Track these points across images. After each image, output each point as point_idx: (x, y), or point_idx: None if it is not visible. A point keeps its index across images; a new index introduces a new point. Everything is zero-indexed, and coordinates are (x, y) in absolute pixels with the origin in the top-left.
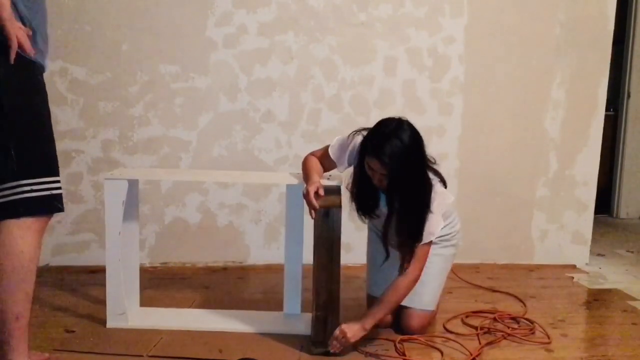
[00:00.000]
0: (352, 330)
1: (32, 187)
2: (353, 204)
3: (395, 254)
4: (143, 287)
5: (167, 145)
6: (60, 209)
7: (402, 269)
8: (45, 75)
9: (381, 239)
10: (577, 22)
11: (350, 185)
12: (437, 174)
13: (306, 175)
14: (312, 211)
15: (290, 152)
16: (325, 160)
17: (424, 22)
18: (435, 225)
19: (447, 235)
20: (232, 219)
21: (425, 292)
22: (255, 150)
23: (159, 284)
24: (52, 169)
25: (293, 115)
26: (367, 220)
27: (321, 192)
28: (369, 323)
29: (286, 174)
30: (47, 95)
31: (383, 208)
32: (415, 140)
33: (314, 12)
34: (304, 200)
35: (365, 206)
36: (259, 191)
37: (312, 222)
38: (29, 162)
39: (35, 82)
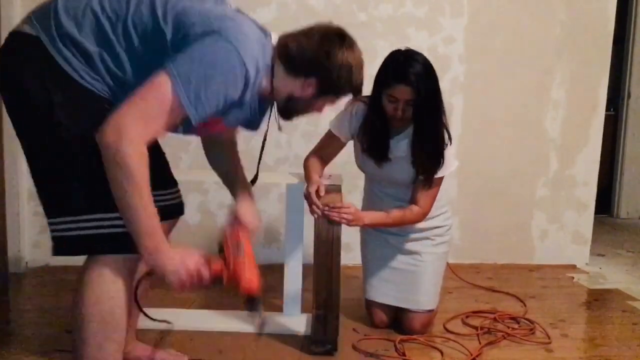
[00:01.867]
0: (357, 215)
1: (112, 222)
2: (364, 153)
3: (393, 203)
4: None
5: (167, 145)
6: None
7: (413, 201)
8: None
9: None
10: (577, 22)
11: (359, 135)
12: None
13: (306, 176)
14: (315, 210)
15: (290, 152)
16: (328, 147)
17: (424, 22)
18: (451, 161)
19: (442, 227)
20: None
21: (423, 293)
22: (255, 150)
23: (159, 284)
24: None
25: None
26: (374, 167)
27: (322, 192)
28: (369, 219)
29: (286, 174)
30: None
31: (394, 150)
32: (428, 60)
33: (314, 12)
34: (305, 201)
35: (379, 149)
36: (259, 191)
37: (312, 222)
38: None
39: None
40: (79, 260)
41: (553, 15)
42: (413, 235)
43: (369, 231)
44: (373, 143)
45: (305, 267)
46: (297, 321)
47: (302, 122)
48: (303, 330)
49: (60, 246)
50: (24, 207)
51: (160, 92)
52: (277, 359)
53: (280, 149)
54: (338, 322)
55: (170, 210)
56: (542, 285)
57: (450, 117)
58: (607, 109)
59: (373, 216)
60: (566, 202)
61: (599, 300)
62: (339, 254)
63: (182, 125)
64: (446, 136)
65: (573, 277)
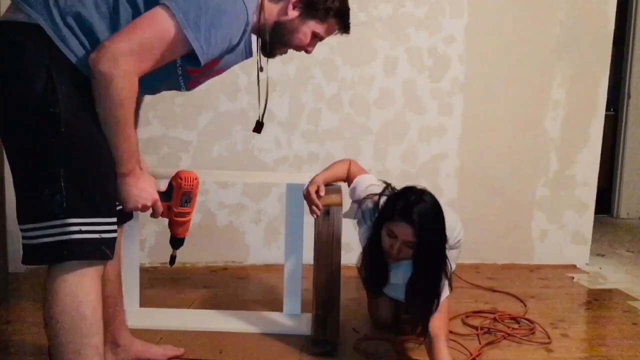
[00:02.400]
0: None
1: (80, 228)
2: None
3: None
4: (143, 287)
5: (167, 145)
6: (109, 256)
7: (422, 332)
8: None
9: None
10: (577, 22)
11: (359, 264)
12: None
13: (320, 173)
14: (315, 210)
15: (290, 152)
16: (351, 174)
17: (424, 22)
18: (446, 290)
19: (459, 241)
20: (232, 219)
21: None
22: (255, 150)
23: (159, 284)
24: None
25: (293, 115)
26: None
27: (322, 192)
28: None
29: (286, 174)
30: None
31: (392, 280)
32: (439, 205)
33: None
34: (305, 201)
35: (376, 281)
36: (259, 191)
37: (312, 222)
38: (78, 200)
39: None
40: None
41: (553, 15)
42: None
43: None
44: (370, 277)
45: (305, 267)
46: (297, 321)
47: (302, 122)
48: (303, 330)
49: (30, 255)
50: None
51: (161, 27)
52: (277, 359)
53: (280, 148)
54: (338, 322)
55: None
56: (542, 285)
57: (450, 117)
58: (607, 109)
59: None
60: (566, 202)
61: (599, 300)
62: (339, 253)
63: (181, 73)
64: (446, 284)
65: (573, 277)
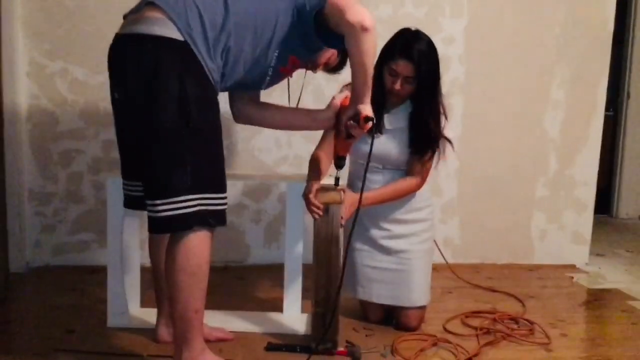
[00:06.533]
0: (353, 198)
1: (201, 202)
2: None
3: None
4: (144, 287)
5: None
6: (223, 223)
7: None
8: (45, 75)
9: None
10: (577, 22)
11: None
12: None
13: (308, 175)
14: (316, 211)
15: (290, 152)
16: (330, 138)
17: (424, 22)
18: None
19: (427, 221)
20: (232, 219)
21: (415, 290)
22: (255, 150)
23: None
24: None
25: None
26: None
27: (318, 196)
28: (364, 199)
29: (286, 174)
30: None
31: (392, 121)
32: (433, 43)
33: None
34: (305, 205)
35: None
36: (259, 191)
37: (312, 222)
38: (202, 178)
39: (216, 102)
40: (78, 260)
41: (553, 15)
42: (400, 231)
43: (354, 233)
44: None
45: (305, 267)
46: (297, 321)
47: None
48: (303, 330)
49: (162, 224)
50: (25, 207)
51: None
52: (277, 358)
53: (280, 149)
54: (338, 320)
55: None
56: (542, 285)
57: (450, 117)
58: (607, 109)
59: (365, 200)
60: (566, 202)
61: (598, 300)
62: (338, 251)
63: (271, 73)
64: (442, 118)
65: (572, 277)
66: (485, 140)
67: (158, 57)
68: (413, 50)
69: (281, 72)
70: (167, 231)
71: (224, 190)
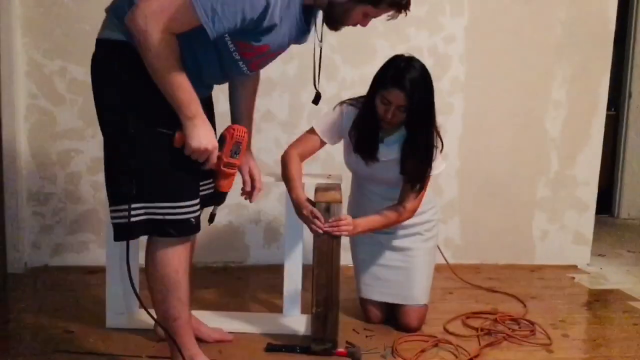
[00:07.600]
0: (354, 223)
1: (149, 211)
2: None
3: (381, 203)
4: (143, 287)
5: None
6: (189, 233)
7: (402, 200)
8: (44, 75)
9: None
10: (578, 21)
11: (351, 134)
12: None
13: (288, 183)
14: (319, 225)
15: None
16: (309, 145)
17: (425, 22)
18: (439, 163)
19: (431, 222)
20: (232, 219)
21: (417, 288)
22: (255, 150)
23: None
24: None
25: (293, 115)
26: (364, 166)
27: (318, 215)
28: (363, 226)
29: None
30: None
31: (384, 153)
32: (427, 70)
33: None
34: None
35: (368, 149)
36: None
37: None
38: (151, 186)
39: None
40: (77, 261)
41: (553, 15)
42: (403, 232)
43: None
44: (363, 143)
45: (305, 267)
46: (296, 321)
47: (302, 122)
48: (303, 330)
49: (114, 231)
50: (24, 207)
51: None
52: (277, 358)
53: (280, 149)
54: (338, 320)
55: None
56: (543, 286)
57: (451, 117)
58: (608, 109)
59: (367, 222)
60: (567, 202)
61: (599, 300)
62: (338, 251)
63: (239, 58)
64: (438, 141)
65: (574, 278)
66: (485, 140)
67: (98, 60)
68: (405, 80)
69: (247, 58)
70: (115, 239)
71: (184, 199)
